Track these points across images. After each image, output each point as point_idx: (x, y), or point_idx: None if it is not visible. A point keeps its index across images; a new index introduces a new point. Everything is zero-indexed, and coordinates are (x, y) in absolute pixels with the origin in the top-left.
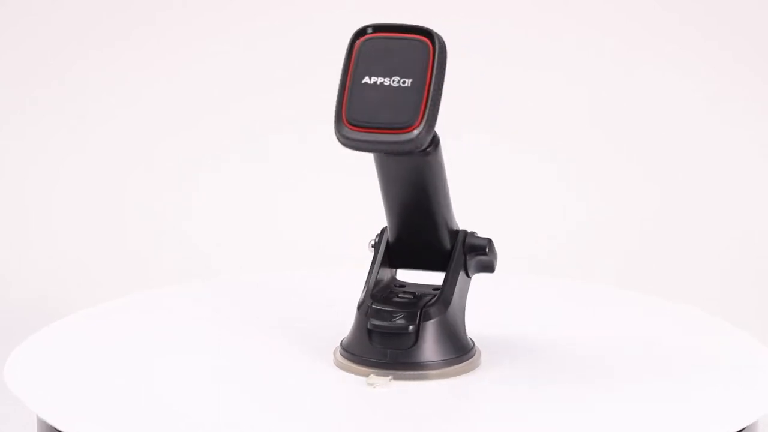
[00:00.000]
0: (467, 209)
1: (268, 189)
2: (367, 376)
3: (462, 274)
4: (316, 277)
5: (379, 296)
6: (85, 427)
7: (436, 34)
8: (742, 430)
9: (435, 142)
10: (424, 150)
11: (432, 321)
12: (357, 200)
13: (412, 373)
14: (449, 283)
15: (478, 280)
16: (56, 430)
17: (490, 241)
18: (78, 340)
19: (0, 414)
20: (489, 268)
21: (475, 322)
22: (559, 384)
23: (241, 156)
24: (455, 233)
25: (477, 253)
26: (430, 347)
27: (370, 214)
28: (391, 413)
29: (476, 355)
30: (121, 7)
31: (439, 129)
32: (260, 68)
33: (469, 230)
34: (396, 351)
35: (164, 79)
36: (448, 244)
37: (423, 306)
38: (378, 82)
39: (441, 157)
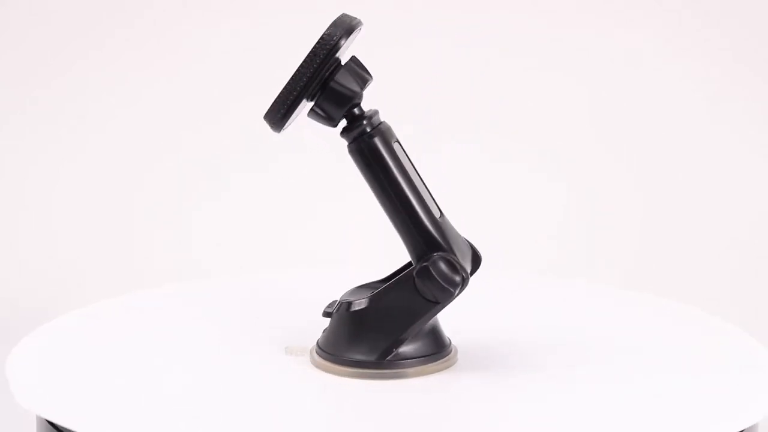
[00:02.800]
0: (467, 210)
1: (268, 189)
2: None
3: (410, 289)
4: (317, 277)
5: (369, 286)
6: (86, 425)
7: (334, 24)
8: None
9: (355, 141)
10: (349, 146)
11: (339, 314)
12: (360, 201)
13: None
14: (382, 290)
15: (479, 279)
16: (56, 428)
17: (427, 267)
18: (72, 339)
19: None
20: (426, 294)
21: (472, 322)
22: (552, 383)
23: (240, 156)
24: (428, 251)
25: (418, 274)
26: (349, 341)
27: (373, 215)
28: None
29: (450, 354)
30: (121, 7)
31: (435, 129)
32: (259, 69)
33: (442, 253)
34: (322, 338)
35: (164, 79)
36: (413, 257)
37: (345, 301)
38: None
39: (366, 159)
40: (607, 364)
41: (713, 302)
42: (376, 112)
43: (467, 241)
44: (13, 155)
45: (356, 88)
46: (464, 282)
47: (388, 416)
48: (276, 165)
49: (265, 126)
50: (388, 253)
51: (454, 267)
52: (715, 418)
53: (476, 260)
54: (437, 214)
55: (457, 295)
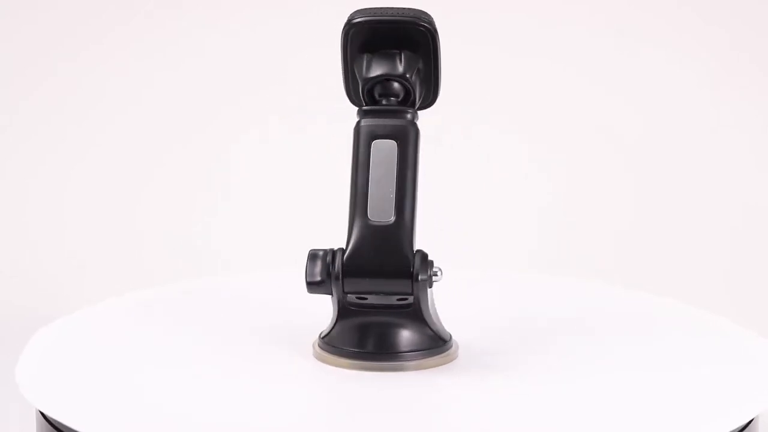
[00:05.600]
0: (454, 204)
1: (266, 187)
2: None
3: None
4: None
5: None
6: (89, 425)
7: (350, 15)
8: (744, 428)
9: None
10: None
11: None
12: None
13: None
14: None
15: (473, 276)
16: (58, 427)
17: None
18: (73, 340)
19: (0, 411)
20: None
21: (473, 318)
22: (550, 379)
23: (243, 155)
24: None
25: None
26: None
27: None
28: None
29: (450, 349)
30: (123, 5)
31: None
32: (256, 68)
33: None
34: None
35: (159, 80)
36: None
37: None
38: None
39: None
40: (601, 360)
41: (708, 298)
42: (377, 108)
43: (421, 257)
44: (15, 156)
45: (366, 74)
46: (321, 282)
47: (382, 408)
48: (274, 164)
49: (267, 123)
50: None
51: (322, 262)
52: (714, 415)
53: (415, 278)
54: (382, 218)
55: (314, 292)
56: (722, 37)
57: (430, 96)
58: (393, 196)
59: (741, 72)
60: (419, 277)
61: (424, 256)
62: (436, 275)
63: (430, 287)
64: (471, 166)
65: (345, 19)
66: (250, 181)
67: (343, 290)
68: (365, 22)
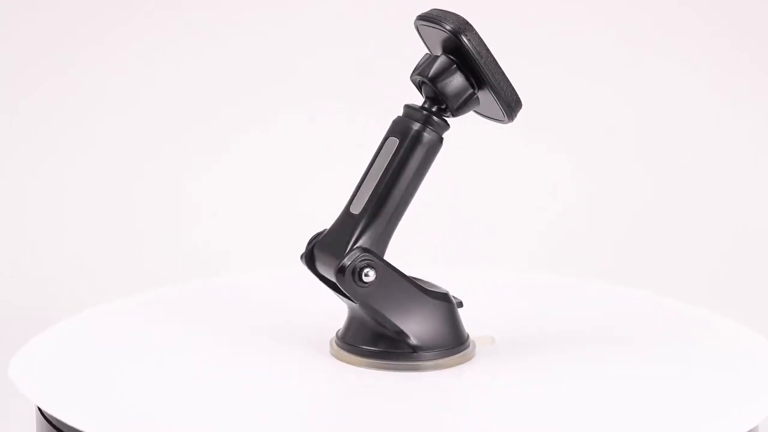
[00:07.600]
0: (453, 203)
1: (266, 187)
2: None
3: None
4: None
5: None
6: (87, 423)
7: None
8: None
9: None
10: None
11: None
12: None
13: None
14: None
15: (467, 275)
16: (56, 426)
17: None
18: (73, 342)
19: (1, 411)
20: None
21: (492, 317)
22: (562, 380)
23: (236, 156)
24: None
25: None
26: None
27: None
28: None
29: (468, 349)
30: (123, 5)
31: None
32: (257, 67)
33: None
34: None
35: (159, 80)
36: None
37: None
38: None
39: None
40: (602, 360)
41: (708, 298)
42: (409, 106)
43: (357, 253)
44: (15, 156)
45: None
46: (302, 257)
47: (395, 408)
48: (272, 164)
49: (267, 123)
50: (403, 250)
51: (309, 241)
52: (715, 414)
53: (338, 270)
54: (354, 210)
55: (306, 267)
56: (722, 37)
57: (501, 113)
58: (372, 190)
59: (741, 72)
60: (338, 270)
61: (361, 252)
62: (368, 276)
63: (358, 285)
64: (471, 166)
65: (345, 19)
66: (251, 180)
67: (313, 271)
68: (418, 21)
